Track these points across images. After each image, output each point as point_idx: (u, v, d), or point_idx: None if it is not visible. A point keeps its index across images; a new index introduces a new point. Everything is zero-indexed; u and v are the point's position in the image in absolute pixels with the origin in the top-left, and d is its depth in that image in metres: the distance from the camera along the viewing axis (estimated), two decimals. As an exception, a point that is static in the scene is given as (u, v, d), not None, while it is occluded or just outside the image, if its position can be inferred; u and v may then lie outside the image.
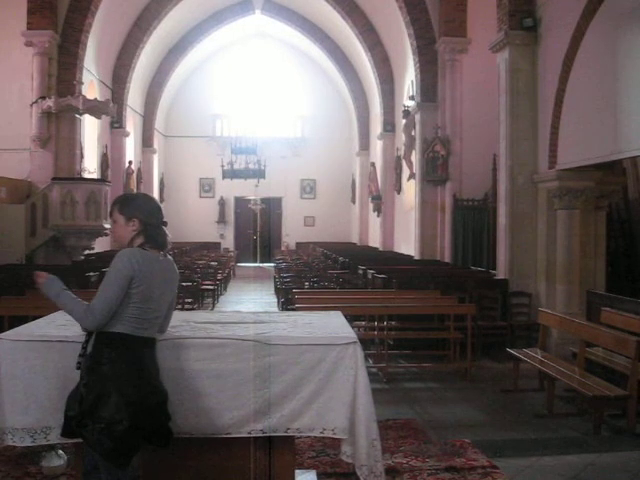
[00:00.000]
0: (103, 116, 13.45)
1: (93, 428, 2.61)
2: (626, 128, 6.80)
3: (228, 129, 24.34)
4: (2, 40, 12.12)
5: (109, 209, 3.00)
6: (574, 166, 7.99)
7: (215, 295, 12.97)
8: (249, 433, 3.06)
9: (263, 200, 23.20)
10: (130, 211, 2.88)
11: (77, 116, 12.49)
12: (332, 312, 3.97)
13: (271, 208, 24.81)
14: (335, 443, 3.86)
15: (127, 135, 18.21)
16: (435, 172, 13.07)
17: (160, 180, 23.55)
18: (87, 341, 2.78)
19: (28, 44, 12.02)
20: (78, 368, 2.77)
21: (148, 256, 2.80)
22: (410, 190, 15.77)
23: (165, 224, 2.96)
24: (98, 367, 2.67)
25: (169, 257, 2.98)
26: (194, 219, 24.53)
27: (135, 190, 18.90)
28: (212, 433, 3.05)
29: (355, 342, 3.13)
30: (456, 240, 12.49)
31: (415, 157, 14.44)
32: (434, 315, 8.17)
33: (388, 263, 12.51)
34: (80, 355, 2.77)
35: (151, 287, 2.77)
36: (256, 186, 21.54)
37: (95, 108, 12.24)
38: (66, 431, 2.77)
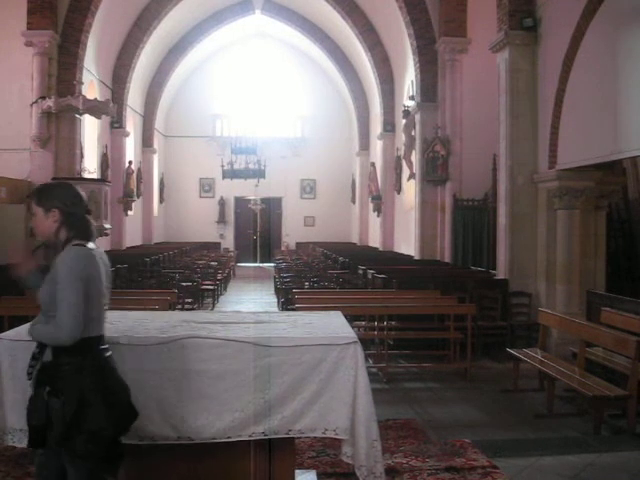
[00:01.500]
0: (103, 116, 13.43)
1: (80, 439, 2.51)
2: (626, 128, 6.80)
3: (228, 129, 24.33)
4: (2, 40, 12.11)
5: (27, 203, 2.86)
6: (574, 166, 7.99)
7: (215, 295, 12.97)
8: (250, 436, 3.04)
9: (263, 200, 23.19)
10: (48, 201, 2.69)
11: (77, 116, 12.48)
12: (332, 312, 3.97)
13: (271, 208, 24.80)
14: (335, 443, 3.86)
15: (127, 135, 18.20)
16: (435, 172, 13.07)
17: (160, 180, 23.54)
18: (40, 350, 2.63)
19: (28, 44, 12.00)
20: (29, 378, 2.64)
21: (89, 252, 2.66)
22: (410, 190, 15.77)
23: (89, 212, 2.79)
24: (68, 376, 2.55)
25: (100, 249, 2.82)
26: (194, 219, 24.54)
27: (135, 190, 18.92)
28: (212, 437, 3.02)
29: (356, 342, 3.13)
30: (456, 240, 12.48)
31: (415, 157, 14.43)
32: (434, 315, 8.17)
33: (388, 263, 12.51)
34: (31, 365, 2.63)
35: (100, 284, 2.67)
36: (256, 186, 21.54)
37: (95, 108, 12.23)
38: (33, 441, 2.62)
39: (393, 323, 7.95)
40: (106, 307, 2.74)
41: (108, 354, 2.73)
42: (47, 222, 2.70)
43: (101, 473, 2.62)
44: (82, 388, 2.54)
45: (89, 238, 2.73)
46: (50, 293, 2.58)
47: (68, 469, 2.61)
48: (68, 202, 2.71)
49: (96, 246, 2.76)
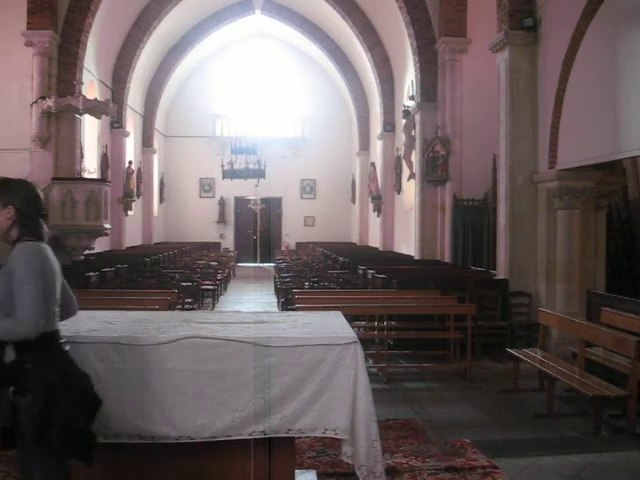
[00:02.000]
0: (103, 116, 13.44)
1: (53, 433, 2.50)
2: (626, 128, 6.80)
3: (228, 129, 24.33)
4: (2, 40, 12.11)
5: None
6: (574, 166, 7.99)
7: (215, 295, 12.97)
8: (250, 435, 3.04)
9: (263, 200, 23.19)
10: (6, 197, 2.65)
11: (77, 116, 12.49)
12: (332, 312, 3.96)
13: (271, 208, 24.81)
14: (335, 443, 3.86)
15: (127, 135, 18.20)
16: (435, 172, 13.07)
17: (160, 180, 23.54)
18: None
19: (28, 44, 12.01)
20: None
21: (43, 248, 2.65)
22: (410, 190, 15.77)
23: (44, 216, 2.75)
24: (33, 372, 2.53)
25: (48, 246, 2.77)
26: (194, 219, 24.54)
27: (135, 190, 18.92)
28: (212, 436, 3.02)
29: (355, 342, 3.13)
30: (456, 240, 12.48)
31: (415, 157, 14.44)
32: (434, 315, 8.17)
33: (388, 263, 12.52)
34: None
35: (55, 280, 2.66)
36: (256, 186, 21.53)
37: (95, 108, 12.23)
38: (4, 442, 2.62)
39: (393, 323, 7.94)
40: (59, 302, 2.73)
41: (67, 348, 2.73)
42: (1, 217, 2.66)
43: (74, 462, 2.64)
44: (48, 383, 2.54)
45: (41, 240, 2.70)
46: (5, 289, 2.55)
47: (34, 465, 2.60)
48: (25, 201, 2.69)
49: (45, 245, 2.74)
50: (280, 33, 22.96)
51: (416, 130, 14.21)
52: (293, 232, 24.98)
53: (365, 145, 22.66)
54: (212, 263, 15.47)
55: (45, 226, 2.76)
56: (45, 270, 2.60)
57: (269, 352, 3.07)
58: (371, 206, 20.49)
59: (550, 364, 5.87)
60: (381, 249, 18.65)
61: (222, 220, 24.85)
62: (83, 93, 12.29)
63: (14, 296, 2.52)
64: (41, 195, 2.79)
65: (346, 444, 3.09)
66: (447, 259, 12.72)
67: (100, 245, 14.70)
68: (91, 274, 9.28)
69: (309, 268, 13.78)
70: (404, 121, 15.69)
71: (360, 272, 11.04)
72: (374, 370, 7.14)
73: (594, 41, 7.44)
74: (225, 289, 15.49)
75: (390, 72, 18.27)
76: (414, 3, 13.48)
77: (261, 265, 24.24)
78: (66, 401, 2.55)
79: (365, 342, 6.59)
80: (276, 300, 12.57)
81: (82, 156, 13.61)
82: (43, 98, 11.96)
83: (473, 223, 11.95)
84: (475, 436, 4.87)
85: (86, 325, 3.34)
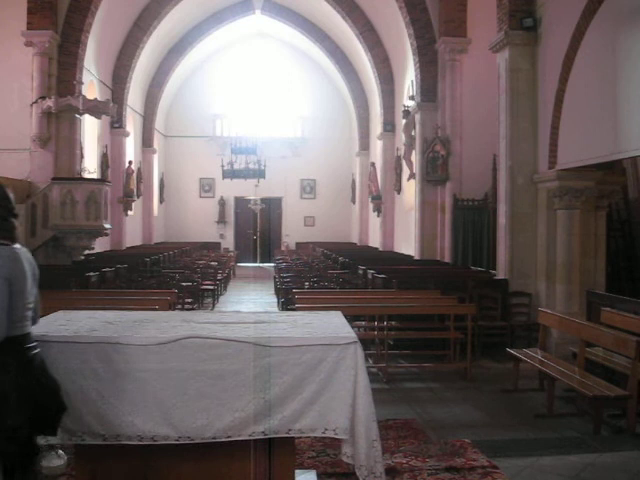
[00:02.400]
0: (103, 116, 13.44)
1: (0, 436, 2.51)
2: (626, 128, 6.80)
3: (228, 129, 24.32)
4: (2, 40, 12.12)
5: None
6: (574, 166, 8.00)
7: (215, 295, 12.97)
8: (250, 435, 3.04)
9: (263, 200, 23.20)
10: None
11: (77, 116, 12.49)
12: (332, 312, 3.96)
13: (271, 208, 24.81)
14: (335, 443, 3.86)
15: (127, 135, 18.20)
16: (435, 172, 13.08)
17: (160, 180, 23.54)
18: None
19: (28, 44, 12.01)
20: None
21: (12, 251, 2.64)
22: (410, 190, 15.77)
23: (15, 216, 2.75)
24: None
25: (24, 248, 2.79)
26: (194, 219, 24.54)
27: (135, 190, 18.91)
28: (212, 437, 3.02)
29: (355, 342, 3.13)
30: (456, 240, 12.49)
31: (415, 157, 14.44)
32: (434, 315, 8.17)
33: (388, 263, 12.51)
34: None
35: (24, 282, 2.65)
36: (256, 186, 21.54)
37: (95, 108, 12.24)
38: None
39: (393, 323, 7.95)
40: (31, 305, 2.72)
41: (34, 352, 2.72)
42: None
43: (19, 470, 2.63)
44: (1, 385, 2.54)
45: (13, 240, 2.70)
46: None
47: None
48: None
49: (20, 246, 2.74)
50: (280, 33, 22.96)
51: (416, 130, 14.21)
52: (293, 232, 24.98)
53: (365, 145, 22.66)
54: (212, 263, 15.48)
55: (17, 225, 2.75)
56: (13, 275, 2.59)
57: (269, 352, 3.07)
58: (371, 206, 20.49)
59: (550, 364, 5.87)
60: (381, 249, 18.65)
61: (222, 220, 24.85)
62: (83, 93, 12.29)
63: None
64: (10, 195, 2.78)
65: (346, 444, 3.09)
66: (447, 259, 12.72)
67: (100, 245, 14.70)
68: (91, 274, 9.28)
69: (309, 268, 13.78)
70: (404, 121, 15.70)
71: (360, 272, 11.04)
72: (374, 370, 7.14)
73: (594, 41, 7.44)
74: (225, 289, 15.49)
75: (390, 72, 18.27)
76: (414, 3, 13.48)
77: (261, 265, 24.24)
78: (12, 407, 2.54)
79: (365, 342, 6.58)
80: (276, 300, 12.57)
81: (82, 156, 13.61)
82: (43, 98, 11.96)
83: (473, 223, 11.95)
84: (475, 436, 4.86)
85: (86, 325, 3.34)
